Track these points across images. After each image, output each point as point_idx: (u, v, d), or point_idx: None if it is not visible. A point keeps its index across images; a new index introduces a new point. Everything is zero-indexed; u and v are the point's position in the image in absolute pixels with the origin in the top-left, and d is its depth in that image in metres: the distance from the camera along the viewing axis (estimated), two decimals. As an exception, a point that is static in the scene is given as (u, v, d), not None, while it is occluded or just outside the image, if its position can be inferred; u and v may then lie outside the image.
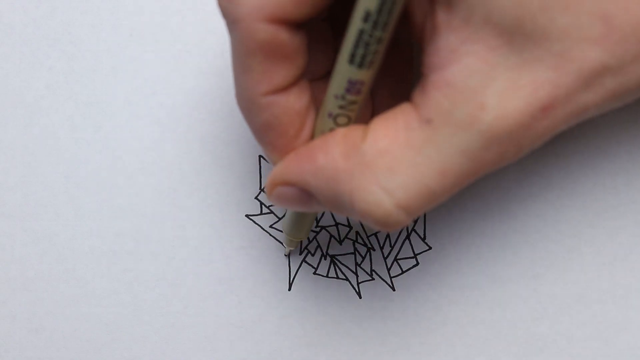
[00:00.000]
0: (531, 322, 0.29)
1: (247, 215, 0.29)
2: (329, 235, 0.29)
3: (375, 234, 0.29)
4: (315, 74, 0.23)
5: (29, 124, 0.29)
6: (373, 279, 0.29)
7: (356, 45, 0.18)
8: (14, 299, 0.29)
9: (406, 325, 0.29)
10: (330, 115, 0.20)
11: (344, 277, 0.29)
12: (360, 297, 0.29)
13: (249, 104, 0.20)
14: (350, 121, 0.21)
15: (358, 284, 0.29)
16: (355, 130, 0.20)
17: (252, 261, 0.29)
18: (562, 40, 0.17)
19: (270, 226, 0.29)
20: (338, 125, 0.20)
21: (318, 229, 0.29)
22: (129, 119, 0.29)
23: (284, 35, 0.19)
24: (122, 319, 0.29)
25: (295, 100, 0.20)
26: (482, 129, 0.18)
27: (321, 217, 0.29)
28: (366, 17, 0.18)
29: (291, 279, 0.29)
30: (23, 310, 0.29)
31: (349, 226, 0.29)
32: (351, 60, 0.19)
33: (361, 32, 0.18)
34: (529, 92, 0.18)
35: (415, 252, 0.29)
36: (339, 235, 0.29)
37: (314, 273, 0.29)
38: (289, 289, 0.29)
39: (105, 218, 0.29)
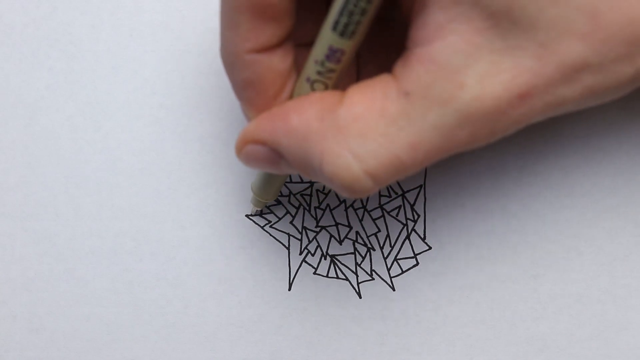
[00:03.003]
0: (531, 322, 0.29)
1: (247, 215, 0.29)
2: (329, 235, 0.29)
3: (376, 234, 0.29)
4: (302, 40, 0.23)
5: (29, 124, 0.29)
6: (373, 279, 0.29)
7: (340, 13, 0.19)
8: (14, 299, 0.29)
9: (406, 325, 0.29)
10: (308, 80, 0.21)
11: (344, 277, 0.29)
12: (360, 297, 0.29)
13: (232, 59, 0.21)
14: (327, 89, 0.21)
15: (358, 284, 0.29)
16: (332, 95, 0.20)
17: (252, 261, 0.29)
18: (547, 31, 0.17)
19: (271, 226, 0.29)
20: (314, 91, 0.21)
21: (318, 229, 0.29)
22: (129, 119, 0.29)
23: None
24: (122, 319, 0.29)
25: (279, 62, 0.21)
26: (458, 107, 0.18)
27: (321, 217, 0.29)
28: None
29: (291, 279, 0.29)
30: (23, 310, 0.29)
31: (349, 226, 0.29)
32: (334, 27, 0.19)
33: (346, 1, 0.19)
34: (509, 78, 0.18)
35: (415, 252, 0.29)
36: (339, 235, 0.29)
37: (314, 273, 0.29)
38: (289, 289, 0.29)
39: (105, 218, 0.29)
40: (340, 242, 0.29)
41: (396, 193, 0.29)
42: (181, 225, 0.29)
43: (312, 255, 0.29)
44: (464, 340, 0.29)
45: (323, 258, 0.29)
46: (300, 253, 0.29)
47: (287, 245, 0.29)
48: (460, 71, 0.18)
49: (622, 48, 0.18)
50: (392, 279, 0.29)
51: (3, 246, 0.29)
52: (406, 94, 0.19)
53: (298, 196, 0.29)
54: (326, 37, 0.20)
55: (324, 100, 0.20)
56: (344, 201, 0.29)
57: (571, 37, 0.17)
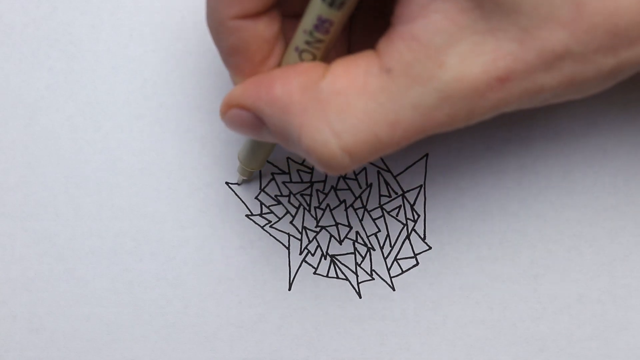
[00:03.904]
0: (531, 322, 0.29)
1: (247, 215, 0.29)
2: (329, 235, 0.29)
3: (376, 234, 0.29)
4: (293, 11, 0.23)
5: (29, 124, 0.29)
6: (373, 279, 0.29)
7: None
8: (14, 299, 0.29)
9: (406, 325, 0.29)
10: (296, 49, 0.21)
11: (344, 277, 0.29)
12: (360, 297, 0.29)
13: (218, 26, 0.21)
14: (315, 60, 0.21)
15: (358, 284, 0.29)
16: (317, 67, 0.20)
17: (252, 261, 0.29)
18: (530, 16, 0.17)
19: (271, 226, 0.29)
20: (302, 60, 0.21)
21: (318, 229, 0.29)
22: (129, 119, 0.29)
23: None
24: (122, 319, 0.29)
25: (265, 28, 0.21)
26: (437, 86, 0.18)
27: (321, 217, 0.29)
28: None
29: (291, 279, 0.29)
30: (23, 310, 0.29)
31: (349, 226, 0.29)
32: None
33: None
34: (489, 60, 0.18)
35: (415, 252, 0.29)
36: (339, 235, 0.29)
37: (314, 273, 0.29)
38: (289, 289, 0.29)
39: (105, 218, 0.29)
40: (340, 242, 0.29)
41: (396, 193, 0.29)
42: (181, 225, 0.29)
43: (312, 255, 0.29)
44: (464, 340, 0.29)
45: (323, 258, 0.29)
46: (300, 253, 0.29)
47: (287, 245, 0.29)
48: (442, 50, 0.18)
49: (605, 39, 0.17)
50: (392, 279, 0.29)
51: (3, 246, 0.29)
52: (388, 71, 0.19)
53: (298, 196, 0.29)
54: (315, 7, 0.20)
55: (309, 72, 0.20)
56: (344, 201, 0.29)
57: (554, 24, 0.17)
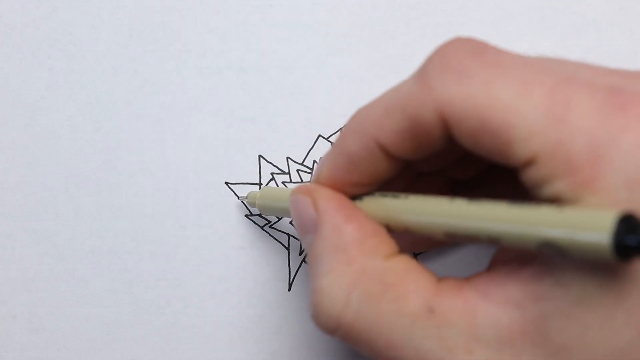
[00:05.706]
0: (531, 322, 0.28)
1: (247, 215, 0.29)
2: (329, 235, 0.29)
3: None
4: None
5: (29, 124, 0.29)
6: (373, 279, 0.29)
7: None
8: (14, 299, 0.29)
9: (406, 325, 0.29)
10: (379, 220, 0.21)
11: (344, 277, 0.29)
12: (360, 297, 0.29)
13: (360, 131, 0.20)
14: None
15: (358, 284, 0.29)
16: (388, 244, 0.20)
17: (252, 261, 0.29)
18: None
19: (270, 226, 0.29)
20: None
21: (318, 229, 0.29)
22: (129, 119, 0.29)
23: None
24: (122, 319, 0.29)
25: (386, 170, 0.20)
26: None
27: (321, 217, 0.29)
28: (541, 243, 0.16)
29: (291, 279, 0.29)
30: (23, 310, 0.29)
31: (349, 226, 0.29)
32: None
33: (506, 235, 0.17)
34: None
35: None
36: (339, 235, 0.29)
37: (314, 273, 0.29)
38: (289, 289, 0.29)
39: (105, 218, 0.29)
40: (340, 242, 0.29)
41: (396, 193, 0.29)
42: (181, 225, 0.29)
43: (312, 255, 0.29)
44: (464, 340, 0.29)
45: (323, 258, 0.29)
46: (300, 253, 0.29)
47: (287, 246, 0.29)
48: (483, 339, 0.17)
49: None
50: (392, 279, 0.29)
51: (3, 246, 0.29)
52: (430, 311, 0.18)
53: (298, 196, 0.29)
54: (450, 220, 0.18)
55: (382, 243, 0.20)
56: (344, 201, 0.29)
57: None
